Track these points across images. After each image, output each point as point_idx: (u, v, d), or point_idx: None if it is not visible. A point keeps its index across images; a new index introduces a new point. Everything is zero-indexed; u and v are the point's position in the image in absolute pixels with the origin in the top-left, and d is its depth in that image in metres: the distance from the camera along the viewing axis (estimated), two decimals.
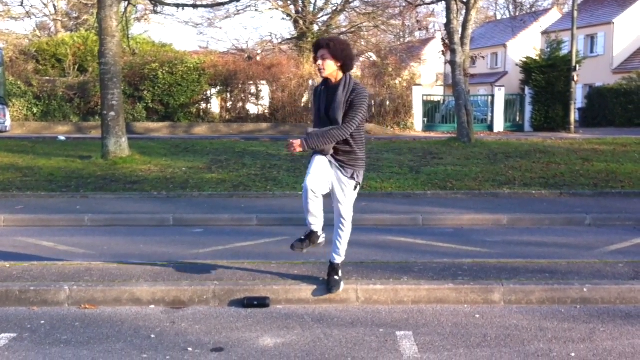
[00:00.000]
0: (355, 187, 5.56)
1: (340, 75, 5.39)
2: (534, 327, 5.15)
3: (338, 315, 5.46)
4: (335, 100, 5.33)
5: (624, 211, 10.54)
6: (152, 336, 4.99)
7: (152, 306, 5.71)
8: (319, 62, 5.37)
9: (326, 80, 5.44)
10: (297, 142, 5.30)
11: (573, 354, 4.59)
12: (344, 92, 5.32)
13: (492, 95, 30.12)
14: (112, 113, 15.51)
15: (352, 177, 5.50)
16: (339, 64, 5.36)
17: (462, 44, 20.03)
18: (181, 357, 4.57)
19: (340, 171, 5.49)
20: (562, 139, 21.90)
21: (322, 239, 5.73)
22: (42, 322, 5.31)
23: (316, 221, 5.58)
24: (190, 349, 4.72)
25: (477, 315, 5.44)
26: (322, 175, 5.43)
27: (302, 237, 5.70)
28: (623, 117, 31.74)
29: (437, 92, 41.18)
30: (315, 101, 5.58)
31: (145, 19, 38.57)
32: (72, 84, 27.74)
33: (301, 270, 6.34)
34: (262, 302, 5.67)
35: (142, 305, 5.72)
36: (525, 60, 30.10)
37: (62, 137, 21.79)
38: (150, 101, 27.09)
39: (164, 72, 26.79)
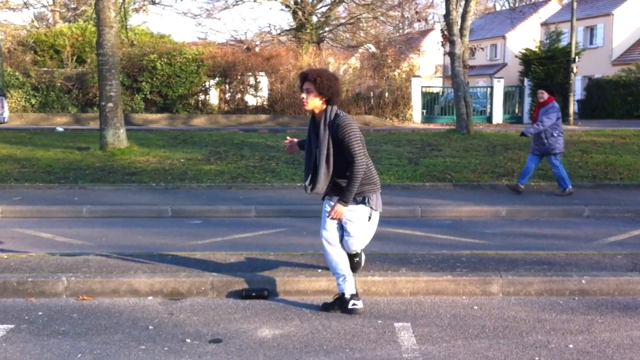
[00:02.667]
0: (370, 217, 5.31)
1: (324, 107, 5.18)
2: (532, 319, 5.15)
3: None
4: (319, 136, 5.16)
5: (623, 203, 10.53)
6: (150, 327, 4.99)
7: (150, 297, 5.71)
8: (303, 95, 5.17)
9: (313, 113, 5.26)
10: (338, 210, 5.12)
11: (571, 346, 4.59)
12: (326, 127, 5.11)
13: (491, 87, 30.08)
14: (110, 104, 15.47)
15: (362, 203, 5.24)
16: (323, 99, 5.14)
17: (461, 35, 19.99)
18: (179, 349, 4.57)
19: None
20: None
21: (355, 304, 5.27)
22: (40, 313, 5.30)
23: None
24: (188, 340, 4.72)
25: (476, 307, 5.44)
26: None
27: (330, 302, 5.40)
28: (622, 109, 31.72)
29: (436, 84, 41.16)
30: (307, 135, 5.41)
31: (144, 10, 38.42)
32: (70, 75, 27.66)
33: (299, 261, 6.33)
34: (260, 294, 5.66)
35: (140, 296, 5.72)
36: (524, 51, 30.07)
37: (60, 129, 21.75)
38: (148, 92, 27.03)
39: (162, 63, 26.71)
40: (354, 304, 5.23)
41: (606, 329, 4.95)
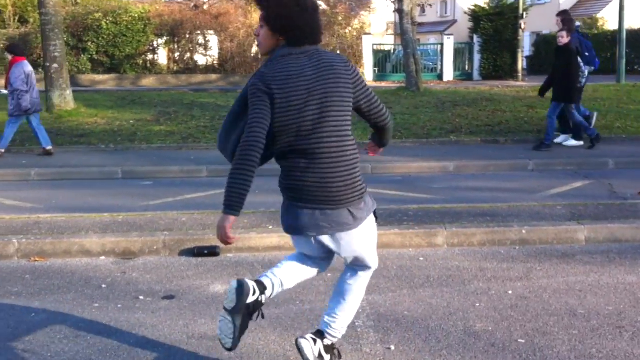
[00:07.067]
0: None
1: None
2: (474, 268, 5.37)
3: None
4: None
5: (566, 156, 10.87)
6: (103, 286, 5.05)
7: (103, 257, 5.75)
8: (257, 30, 3.24)
9: None
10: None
11: (510, 292, 4.82)
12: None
13: (442, 44, 30.28)
14: (55, 65, 15.13)
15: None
16: (277, 37, 3.16)
17: None
18: (133, 305, 4.65)
19: None
20: (509, 87, 22.25)
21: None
22: None
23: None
24: (141, 297, 4.80)
25: (421, 258, 5.64)
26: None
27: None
28: None
29: (388, 42, 41.25)
30: None
31: None
32: (12, 35, 26.83)
33: (251, 219, 6.43)
34: (212, 251, 5.76)
35: (92, 256, 5.76)
36: (473, 8, 30.24)
37: (4, 91, 21.17)
38: (94, 52, 26.46)
39: (107, 22, 26.12)
40: None
41: (544, 275, 5.20)
